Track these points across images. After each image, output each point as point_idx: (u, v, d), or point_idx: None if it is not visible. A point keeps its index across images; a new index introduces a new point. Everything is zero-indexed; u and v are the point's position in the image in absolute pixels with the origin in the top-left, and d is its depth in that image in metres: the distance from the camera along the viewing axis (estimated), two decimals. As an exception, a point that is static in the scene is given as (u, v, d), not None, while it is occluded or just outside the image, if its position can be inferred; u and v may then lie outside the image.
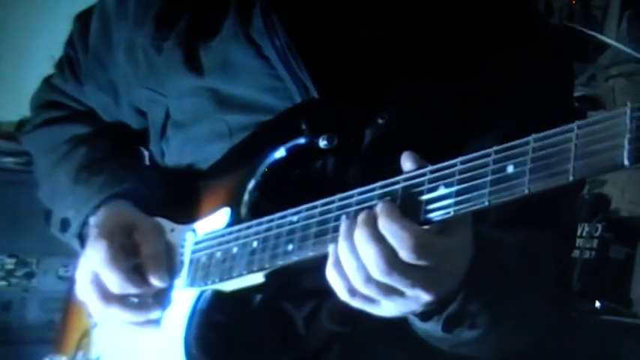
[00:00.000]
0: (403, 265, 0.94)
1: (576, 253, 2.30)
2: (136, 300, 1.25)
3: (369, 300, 0.99)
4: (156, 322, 1.25)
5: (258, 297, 1.18)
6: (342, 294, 1.00)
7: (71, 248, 1.48)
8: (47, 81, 1.57)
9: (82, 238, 1.35)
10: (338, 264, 0.99)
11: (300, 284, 1.05)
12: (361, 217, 0.97)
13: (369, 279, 0.96)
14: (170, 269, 1.25)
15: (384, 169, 1.05)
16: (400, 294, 0.97)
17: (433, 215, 0.95)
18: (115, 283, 1.22)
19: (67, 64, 1.51)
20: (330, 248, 1.00)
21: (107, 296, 1.23)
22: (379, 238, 0.95)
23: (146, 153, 1.50)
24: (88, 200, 1.33)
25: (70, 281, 1.54)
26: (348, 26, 1.24)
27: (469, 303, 1.04)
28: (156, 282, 1.23)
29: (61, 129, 1.48)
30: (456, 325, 1.06)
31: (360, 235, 0.96)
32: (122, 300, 1.23)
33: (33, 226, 2.97)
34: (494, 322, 1.09)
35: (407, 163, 1.00)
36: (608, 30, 2.87)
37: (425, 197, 0.95)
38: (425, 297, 0.98)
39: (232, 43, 1.26)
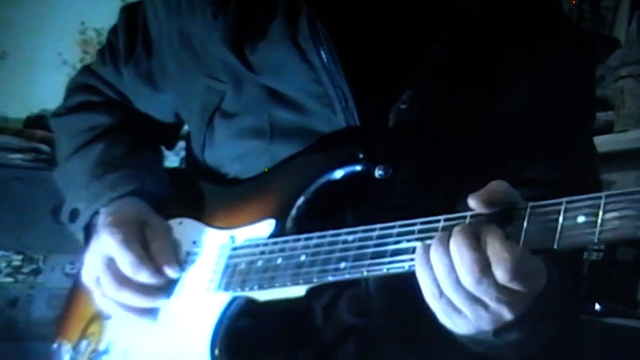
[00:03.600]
0: (494, 279, 0.93)
1: (584, 254, 2.29)
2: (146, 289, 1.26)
3: (453, 307, 0.97)
4: (172, 315, 1.26)
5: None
6: (429, 295, 0.98)
7: (77, 245, 1.48)
8: (86, 66, 1.61)
9: (88, 232, 1.37)
10: (428, 263, 0.97)
11: None
12: (459, 227, 0.96)
13: (458, 284, 0.95)
14: (200, 270, 1.27)
15: (437, 197, 1.09)
16: (484, 307, 0.96)
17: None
18: (129, 264, 1.24)
19: (108, 50, 1.53)
20: (418, 245, 0.99)
21: (120, 279, 1.25)
22: (476, 248, 0.93)
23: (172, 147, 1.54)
24: (99, 196, 1.35)
25: (77, 273, 1.54)
26: (380, 34, 1.27)
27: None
28: (169, 272, 1.26)
29: (86, 117, 1.50)
30: (506, 330, 1.04)
31: (457, 241, 0.94)
32: (134, 285, 1.25)
33: (40, 222, 2.99)
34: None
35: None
36: (618, 31, 2.87)
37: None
38: (507, 316, 0.97)
39: (279, 46, 1.27)
